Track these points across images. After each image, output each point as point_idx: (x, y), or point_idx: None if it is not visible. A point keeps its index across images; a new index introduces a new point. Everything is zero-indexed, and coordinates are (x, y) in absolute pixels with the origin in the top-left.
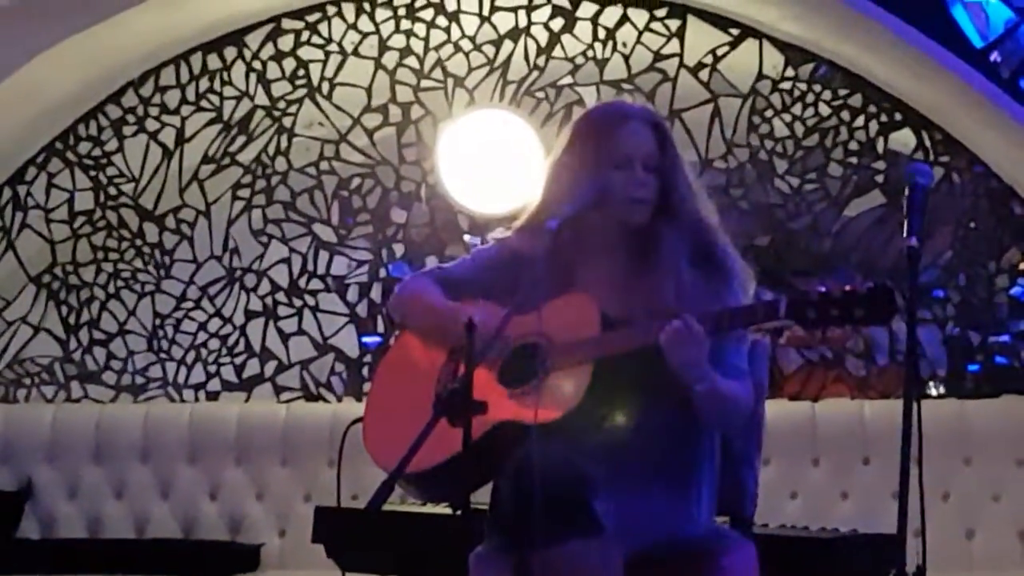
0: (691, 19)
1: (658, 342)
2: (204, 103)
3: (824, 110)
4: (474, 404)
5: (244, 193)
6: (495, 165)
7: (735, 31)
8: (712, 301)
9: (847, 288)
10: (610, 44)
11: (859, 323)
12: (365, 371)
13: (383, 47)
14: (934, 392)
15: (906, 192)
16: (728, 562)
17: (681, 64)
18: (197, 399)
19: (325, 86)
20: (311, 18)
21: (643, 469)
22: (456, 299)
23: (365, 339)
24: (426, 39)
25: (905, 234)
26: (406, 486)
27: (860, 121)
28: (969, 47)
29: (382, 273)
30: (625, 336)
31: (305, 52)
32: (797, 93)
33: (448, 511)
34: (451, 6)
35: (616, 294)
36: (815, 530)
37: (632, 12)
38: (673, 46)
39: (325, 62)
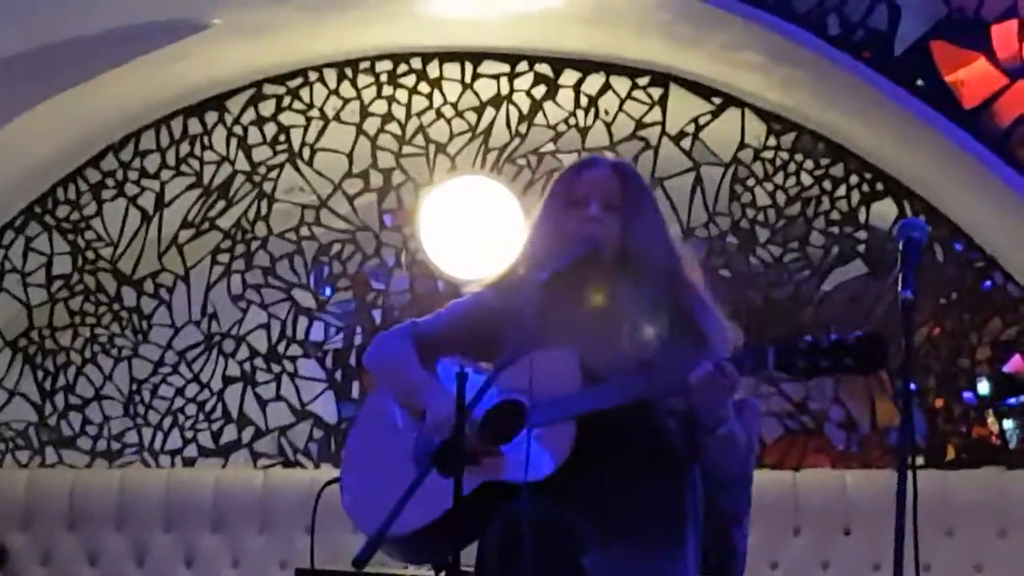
0: (673, 87)
1: (657, 390)
2: (184, 167)
3: (806, 179)
4: (466, 455)
5: (223, 258)
6: (476, 232)
7: (717, 100)
8: (682, 353)
9: (835, 338)
10: (592, 112)
11: (849, 372)
12: (343, 438)
13: (365, 113)
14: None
15: (900, 246)
16: None
17: (663, 132)
18: (173, 465)
19: (306, 151)
20: (292, 83)
21: (630, 525)
22: (430, 354)
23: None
24: (408, 105)
25: (900, 287)
26: (389, 548)
27: (842, 191)
28: (959, 108)
29: (360, 340)
30: (607, 393)
31: (286, 117)
32: (779, 162)
33: (431, 574)
34: (433, 73)
35: (584, 351)
36: None
37: (614, 80)
38: (655, 114)
39: (306, 127)
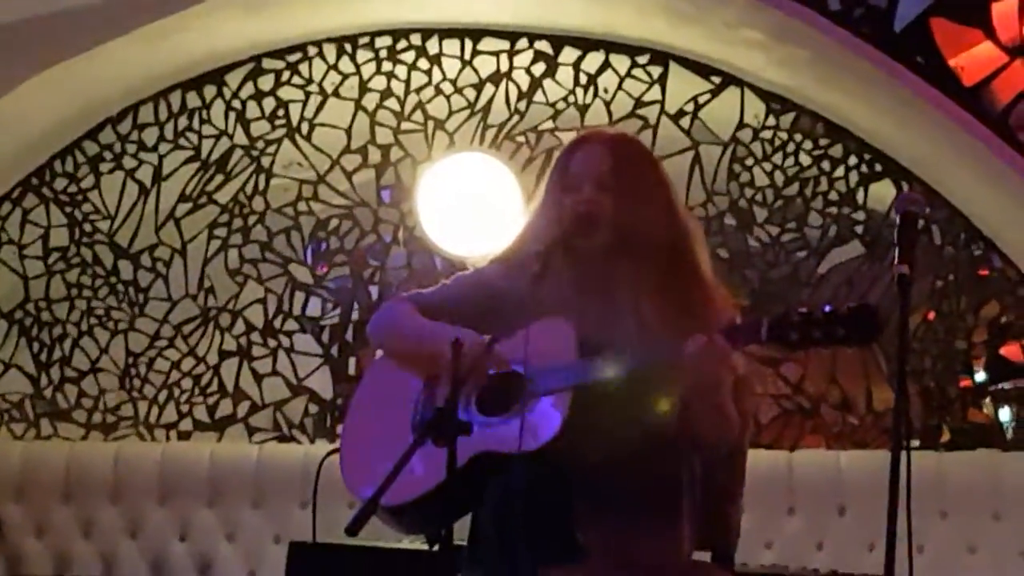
0: (673, 66)
1: (656, 359)
2: (182, 141)
3: (805, 160)
4: (460, 424)
5: (221, 232)
6: (474, 208)
7: (717, 79)
8: (680, 332)
9: (828, 309)
10: (591, 90)
11: (841, 343)
12: (339, 413)
13: (364, 88)
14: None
15: (897, 220)
16: None
17: (662, 111)
18: (168, 439)
19: (304, 126)
20: (292, 58)
21: (625, 498)
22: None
23: None
24: (407, 81)
25: (896, 261)
26: (385, 518)
27: (841, 171)
28: (959, 86)
29: (356, 316)
30: (603, 365)
31: (285, 92)
32: (778, 142)
33: (424, 547)
34: (433, 49)
35: (584, 325)
36: (795, 569)
37: (614, 58)
38: (655, 93)
39: (305, 102)
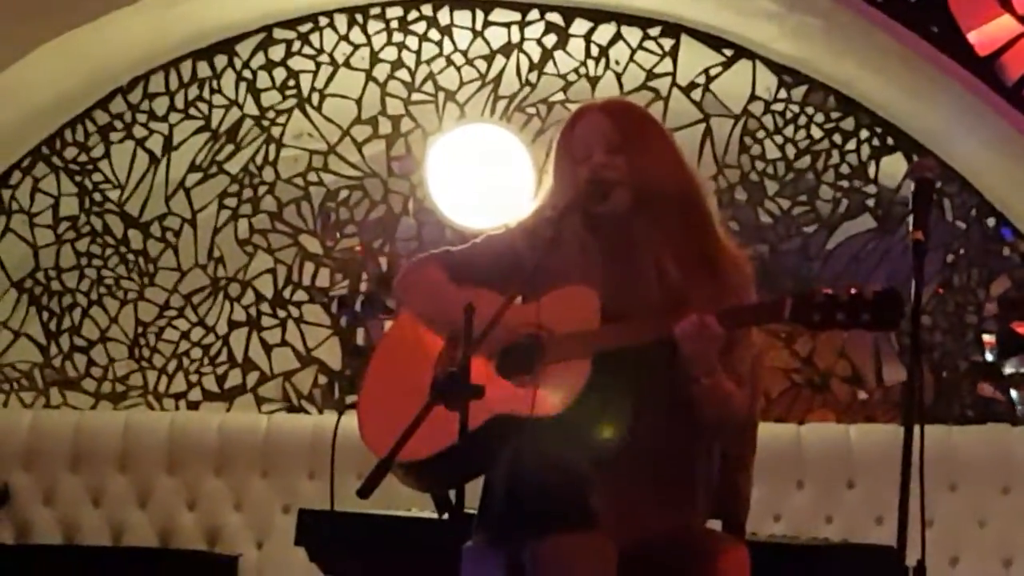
0: (685, 38)
1: (665, 335)
2: (192, 111)
3: (816, 133)
4: (472, 388)
5: (230, 202)
6: (484, 180)
7: (728, 51)
8: (704, 298)
9: (853, 291)
10: (603, 62)
11: (864, 327)
12: (348, 384)
13: (374, 59)
14: None
15: (912, 188)
16: (723, 562)
17: (674, 83)
18: (177, 408)
19: (315, 97)
20: (303, 28)
21: (639, 466)
22: (460, 284)
23: None
24: (418, 52)
25: (912, 227)
26: (400, 474)
27: (852, 144)
28: (973, 55)
29: (365, 287)
30: (625, 331)
31: (296, 62)
32: (789, 115)
33: (434, 515)
34: (444, 20)
35: (607, 292)
36: (806, 539)
37: (625, 30)
38: (666, 65)
39: (316, 73)
